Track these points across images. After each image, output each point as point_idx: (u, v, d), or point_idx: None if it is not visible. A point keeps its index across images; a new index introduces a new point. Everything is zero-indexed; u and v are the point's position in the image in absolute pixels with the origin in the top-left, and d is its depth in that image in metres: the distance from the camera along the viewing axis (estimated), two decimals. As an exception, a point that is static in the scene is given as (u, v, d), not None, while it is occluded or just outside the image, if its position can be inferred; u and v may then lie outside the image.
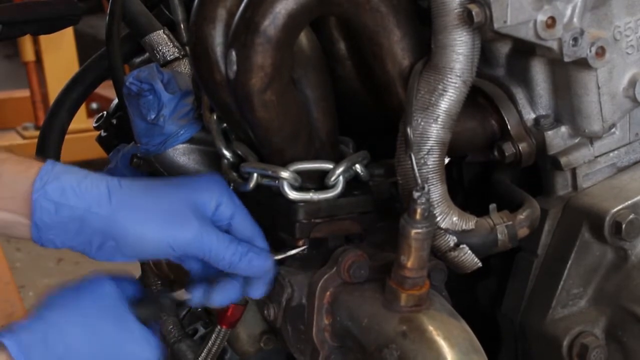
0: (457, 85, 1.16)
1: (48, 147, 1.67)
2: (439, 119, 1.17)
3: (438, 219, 1.19)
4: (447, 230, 1.20)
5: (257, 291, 1.24)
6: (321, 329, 1.22)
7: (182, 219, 1.17)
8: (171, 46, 1.51)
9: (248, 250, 1.20)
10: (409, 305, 1.14)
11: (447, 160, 1.25)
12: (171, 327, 1.57)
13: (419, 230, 1.11)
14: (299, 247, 1.23)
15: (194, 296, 1.22)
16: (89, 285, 1.19)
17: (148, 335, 1.17)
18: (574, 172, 1.29)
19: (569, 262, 1.27)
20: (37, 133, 1.71)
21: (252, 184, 1.24)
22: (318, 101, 1.23)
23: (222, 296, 1.22)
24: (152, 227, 1.16)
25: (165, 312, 1.23)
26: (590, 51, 1.18)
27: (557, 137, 1.27)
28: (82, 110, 3.05)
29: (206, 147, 1.39)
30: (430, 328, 1.13)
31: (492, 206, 1.24)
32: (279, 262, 1.24)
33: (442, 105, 1.17)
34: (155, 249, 1.18)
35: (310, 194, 1.21)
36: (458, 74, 1.16)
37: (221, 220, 1.21)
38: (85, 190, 1.15)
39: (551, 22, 1.14)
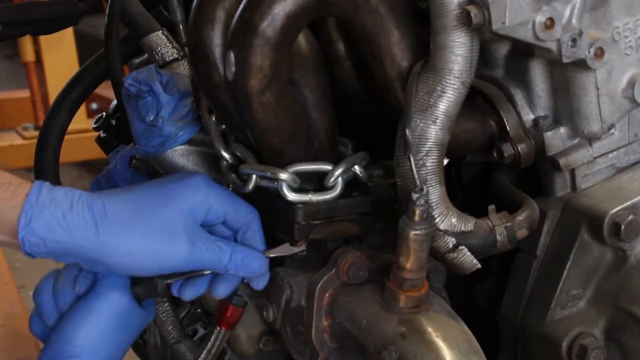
0: (455, 86, 1.16)
1: (48, 147, 1.67)
2: (437, 120, 1.17)
3: (437, 220, 1.19)
4: (446, 232, 1.20)
5: (261, 283, 1.26)
6: (320, 330, 1.22)
7: (171, 241, 1.18)
8: (170, 47, 1.51)
9: (243, 256, 1.21)
10: (408, 307, 1.14)
11: (446, 161, 1.25)
12: (171, 328, 1.57)
13: (418, 232, 1.11)
14: (296, 247, 1.24)
15: (173, 288, 1.26)
16: None
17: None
18: (573, 173, 1.29)
19: (568, 263, 1.27)
20: (37, 133, 1.71)
21: (251, 186, 1.24)
22: (317, 102, 1.23)
23: (190, 291, 1.26)
24: (142, 254, 1.17)
25: (159, 292, 1.27)
26: (589, 52, 1.18)
27: (556, 138, 1.27)
28: (82, 111, 3.06)
29: (205, 148, 1.39)
30: (430, 329, 1.13)
31: (491, 207, 1.24)
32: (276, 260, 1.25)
33: (441, 107, 1.16)
34: (147, 271, 1.20)
35: (309, 196, 1.21)
36: (457, 75, 1.16)
37: (214, 220, 1.23)
38: (72, 224, 1.15)
39: (550, 23, 1.14)
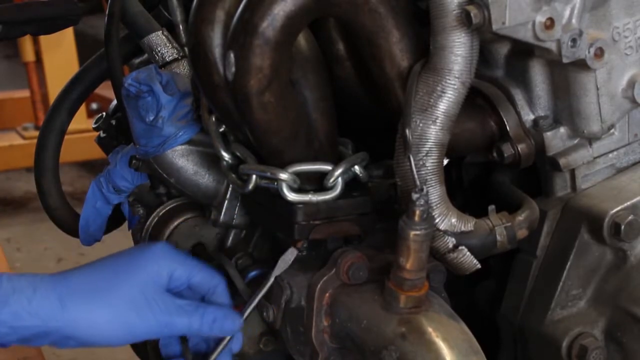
0: (455, 86, 1.16)
1: (48, 147, 1.67)
2: (437, 121, 1.17)
3: (437, 220, 1.19)
4: (446, 232, 1.20)
5: (237, 345, 1.28)
6: (320, 331, 1.22)
7: (138, 310, 1.18)
8: (170, 47, 1.50)
9: (214, 317, 1.22)
10: (408, 307, 1.14)
11: (446, 161, 1.25)
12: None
13: (418, 232, 1.11)
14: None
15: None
16: None
17: None
18: (573, 173, 1.29)
19: (568, 263, 1.27)
20: (37, 133, 1.71)
21: (251, 186, 1.24)
22: (317, 102, 1.23)
23: None
24: (110, 325, 1.18)
25: None
26: (589, 52, 1.18)
27: (556, 138, 1.27)
28: (82, 111, 3.05)
29: (205, 148, 1.39)
30: (430, 329, 1.13)
31: (491, 207, 1.24)
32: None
33: (441, 107, 1.17)
34: (119, 341, 1.20)
35: (309, 196, 1.21)
36: (457, 75, 1.16)
37: (179, 286, 1.24)
38: (38, 307, 1.15)
39: (550, 23, 1.14)
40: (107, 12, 1.50)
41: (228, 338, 1.25)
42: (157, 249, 1.24)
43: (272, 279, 1.24)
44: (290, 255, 1.23)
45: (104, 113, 1.72)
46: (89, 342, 1.19)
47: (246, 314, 1.25)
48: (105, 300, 1.18)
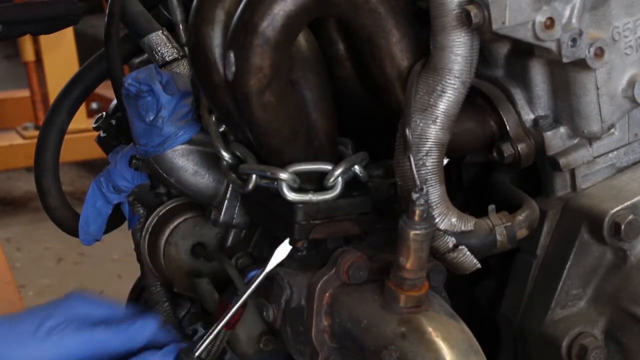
0: (455, 86, 1.16)
1: (48, 147, 1.67)
2: (437, 120, 1.17)
3: (437, 220, 1.19)
4: (446, 232, 1.20)
5: None
6: (320, 330, 1.22)
7: (55, 339, 1.17)
8: (170, 47, 1.50)
9: (129, 323, 1.22)
10: (408, 307, 1.14)
11: (446, 161, 1.25)
12: (171, 327, 1.57)
13: (418, 232, 1.11)
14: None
15: None
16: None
17: None
18: (573, 172, 1.29)
19: (568, 263, 1.27)
20: (37, 133, 1.71)
21: (251, 185, 1.24)
22: (317, 102, 1.23)
23: None
24: (35, 350, 1.16)
25: None
26: (589, 52, 1.18)
27: (556, 138, 1.27)
28: (82, 110, 3.06)
29: (205, 148, 1.39)
30: (430, 329, 1.13)
31: (491, 207, 1.24)
32: None
33: (441, 107, 1.17)
34: None
35: (309, 195, 1.21)
36: (457, 75, 1.16)
37: None
38: None
39: (550, 23, 1.14)
40: (107, 12, 1.50)
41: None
42: (72, 295, 1.24)
43: (265, 272, 1.23)
44: (284, 249, 1.23)
45: (104, 113, 1.72)
46: None
47: (237, 304, 1.24)
48: (22, 330, 1.17)
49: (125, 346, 1.23)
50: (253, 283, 1.25)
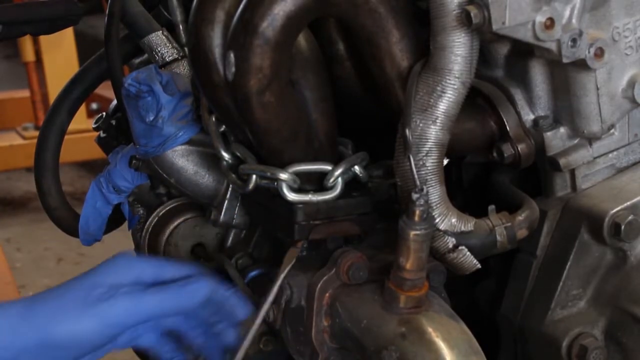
0: (455, 86, 1.16)
1: (48, 147, 1.67)
2: (437, 121, 1.17)
3: (437, 220, 1.19)
4: (446, 232, 1.20)
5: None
6: (320, 331, 1.22)
7: (105, 302, 1.15)
8: (170, 47, 1.51)
9: (180, 285, 1.19)
10: (408, 307, 1.14)
11: (446, 161, 1.25)
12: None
13: (418, 232, 1.11)
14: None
15: None
16: None
17: None
18: (573, 173, 1.29)
19: (568, 263, 1.27)
20: (37, 133, 1.71)
21: (251, 186, 1.24)
22: (317, 102, 1.23)
23: None
24: (84, 325, 1.14)
25: None
26: (589, 52, 1.18)
27: (556, 138, 1.27)
28: (82, 111, 3.05)
29: (205, 148, 1.39)
30: (430, 329, 1.13)
31: (491, 207, 1.24)
32: None
33: (441, 107, 1.17)
34: (96, 339, 1.16)
35: (309, 196, 1.21)
36: (457, 75, 1.16)
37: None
38: (3, 320, 1.12)
39: (550, 23, 1.14)
40: (107, 12, 1.50)
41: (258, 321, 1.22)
42: (117, 258, 1.21)
43: (279, 282, 1.22)
44: (291, 255, 1.23)
45: (104, 113, 1.72)
46: (70, 347, 1.15)
47: (258, 320, 1.22)
48: (69, 302, 1.15)
49: (179, 309, 1.21)
50: (269, 295, 1.23)
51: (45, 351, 1.14)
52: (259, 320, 1.21)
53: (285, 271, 1.22)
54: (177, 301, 1.19)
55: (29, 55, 4.78)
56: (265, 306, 1.21)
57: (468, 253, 1.21)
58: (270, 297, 1.21)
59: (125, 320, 1.17)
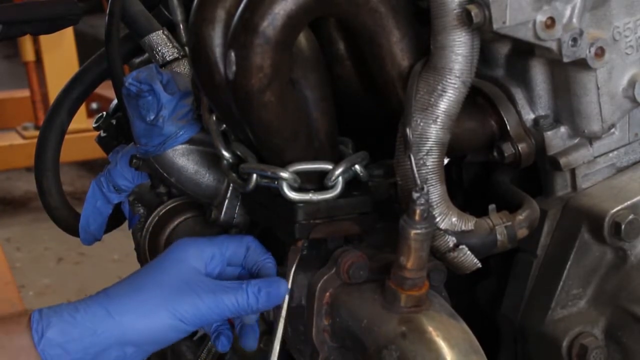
0: (456, 85, 1.16)
1: (48, 147, 1.67)
2: (438, 120, 1.17)
3: (437, 219, 1.19)
4: (446, 231, 1.20)
5: (251, 341, 1.28)
6: (321, 330, 1.22)
7: (184, 301, 1.17)
8: (170, 47, 1.51)
9: (258, 288, 1.20)
10: (408, 306, 1.14)
11: (446, 160, 1.25)
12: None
13: (418, 231, 1.11)
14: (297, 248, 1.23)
15: (221, 345, 1.27)
16: None
17: None
18: (573, 172, 1.29)
19: (569, 262, 1.27)
20: (37, 133, 1.71)
21: (251, 185, 1.24)
22: (317, 102, 1.23)
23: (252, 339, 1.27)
24: (162, 322, 1.17)
25: None
26: (590, 52, 1.18)
27: (557, 138, 1.27)
28: (82, 110, 3.06)
29: (205, 148, 1.39)
30: (430, 329, 1.13)
31: (492, 207, 1.24)
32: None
33: (442, 106, 1.17)
34: (172, 335, 1.19)
35: (310, 195, 1.21)
36: (457, 75, 1.16)
37: (216, 267, 1.23)
38: (83, 319, 1.15)
39: (550, 23, 1.14)
40: (107, 12, 1.50)
41: (284, 310, 1.22)
42: (180, 243, 1.23)
43: (291, 277, 1.23)
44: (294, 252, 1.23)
45: (104, 113, 1.72)
46: (145, 342, 1.17)
47: (281, 321, 1.22)
48: (148, 298, 1.17)
49: (257, 311, 1.22)
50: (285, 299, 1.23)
51: (124, 349, 1.17)
52: (283, 313, 1.22)
53: (294, 268, 1.22)
54: (255, 304, 1.20)
55: (29, 55, 4.79)
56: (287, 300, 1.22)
57: (468, 252, 1.21)
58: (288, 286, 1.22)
59: (203, 321, 1.19)
